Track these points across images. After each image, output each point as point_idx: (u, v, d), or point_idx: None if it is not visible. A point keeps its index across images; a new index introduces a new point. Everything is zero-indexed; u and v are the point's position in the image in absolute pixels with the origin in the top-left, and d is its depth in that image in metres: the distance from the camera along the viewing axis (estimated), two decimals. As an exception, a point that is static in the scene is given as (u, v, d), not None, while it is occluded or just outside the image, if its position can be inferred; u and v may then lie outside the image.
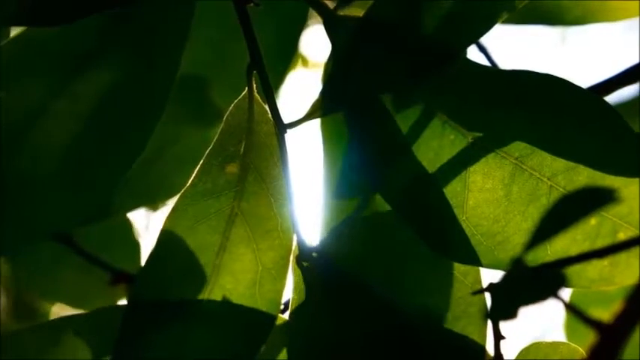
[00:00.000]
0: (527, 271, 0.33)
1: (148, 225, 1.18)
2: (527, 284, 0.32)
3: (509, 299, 0.31)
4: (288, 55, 0.71)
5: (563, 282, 0.32)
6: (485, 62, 0.70)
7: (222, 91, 0.71)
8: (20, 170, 0.52)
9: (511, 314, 0.31)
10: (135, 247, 0.85)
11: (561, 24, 0.68)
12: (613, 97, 0.70)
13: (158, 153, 0.74)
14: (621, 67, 0.66)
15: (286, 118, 0.54)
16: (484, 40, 0.71)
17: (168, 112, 0.55)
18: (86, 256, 0.80)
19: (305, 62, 1.08)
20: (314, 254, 0.52)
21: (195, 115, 0.73)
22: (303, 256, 0.52)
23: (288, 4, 0.66)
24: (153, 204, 0.80)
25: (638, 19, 0.69)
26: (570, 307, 0.34)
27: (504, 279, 0.34)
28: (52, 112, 0.52)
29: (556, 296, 0.33)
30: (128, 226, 0.85)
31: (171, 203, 0.54)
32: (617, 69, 0.66)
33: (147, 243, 0.91)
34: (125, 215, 0.84)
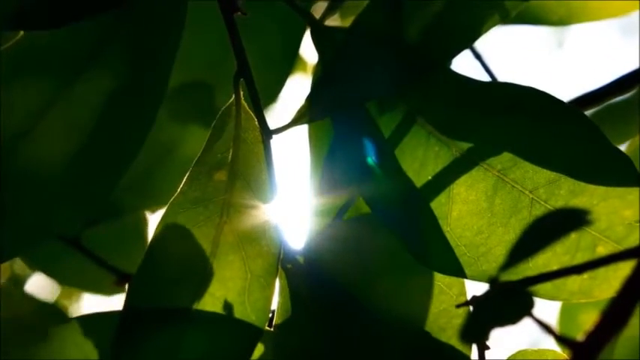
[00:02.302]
0: (500, 292, 0.33)
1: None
2: (498, 306, 0.32)
3: (481, 321, 0.32)
4: (289, 61, 0.71)
5: (533, 304, 0.33)
6: (480, 69, 0.71)
7: (228, 94, 0.71)
8: (21, 172, 0.53)
9: (482, 336, 0.32)
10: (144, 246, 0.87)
11: (546, 24, 0.68)
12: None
13: (163, 155, 0.74)
14: (618, 69, 0.67)
15: (277, 123, 0.54)
16: (480, 45, 0.72)
17: (173, 114, 0.56)
18: (92, 257, 0.81)
19: (304, 66, 1.07)
20: (298, 257, 0.53)
21: (199, 118, 0.73)
22: (288, 259, 0.53)
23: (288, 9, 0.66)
24: (158, 205, 0.81)
25: (637, 20, 0.70)
26: (544, 326, 0.35)
27: (481, 299, 0.34)
28: (51, 115, 0.53)
29: (530, 316, 0.34)
30: (141, 225, 0.87)
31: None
32: (615, 71, 0.67)
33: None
34: (140, 214, 0.85)
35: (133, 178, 0.55)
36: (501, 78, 0.69)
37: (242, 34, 0.54)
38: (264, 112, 0.55)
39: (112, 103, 0.54)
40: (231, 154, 0.53)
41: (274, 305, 0.53)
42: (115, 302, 0.89)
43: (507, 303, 0.32)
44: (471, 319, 0.33)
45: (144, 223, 0.87)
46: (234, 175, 0.53)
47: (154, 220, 0.88)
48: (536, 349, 0.50)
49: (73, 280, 0.90)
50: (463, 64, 0.54)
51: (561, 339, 0.35)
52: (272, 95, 0.71)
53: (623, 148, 0.72)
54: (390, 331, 0.50)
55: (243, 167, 0.53)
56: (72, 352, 0.62)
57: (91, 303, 1.48)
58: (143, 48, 0.55)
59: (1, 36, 0.62)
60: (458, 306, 0.48)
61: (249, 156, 0.53)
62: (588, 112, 0.72)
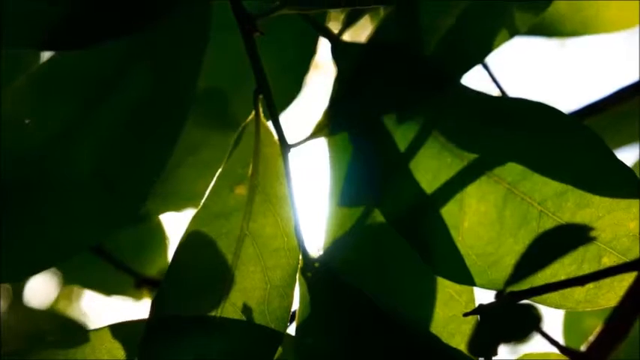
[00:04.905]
0: (507, 308, 0.35)
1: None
2: (506, 323, 0.34)
3: (488, 336, 0.33)
4: (303, 71, 0.73)
5: (541, 319, 0.34)
6: (488, 79, 0.72)
7: (244, 102, 0.73)
8: (51, 186, 0.55)
9: (490, 351, 0.33)
10: (164, 248, 0.88)
11: (559, 36, 0.69)
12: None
13: (183, 160, 0.76)
14: (616, 71, 0.68)
15: (292, 133, 0.56)
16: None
17: (191, 120, 0.57)
18: (112, 261, 0.83)
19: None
20: (317, 265, 0.54)
21: (217, 123, 0.75)
22: (307, 267, 0.54)
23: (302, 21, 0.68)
24: (175, 210, 0.83)
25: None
26: (549, 338, 0.36)
27: (487, 312, 0.36)
28: (80, 130, 0.55)
29: (537, 331, 0.35)
30: (159, 229, 0.88)
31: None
32: (613, 72, 0.68)
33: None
34: (157, 219, 0.87)
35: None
36: (503, 80, 0.70)
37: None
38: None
39: (140, 117, 0.56)
40: (251, 168, 0.55)
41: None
42: (115, 303, 0.91)
43: (515, 319, 0.34)
44: (478, 333, 0.34)
45: (160, 227, 0.89)
46: (254, 189, 0.54)
47: (170, 223, 0.89)
48: (540, 352, 0.51)
49: (92, 283, 0.92)
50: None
51: (565, 350, 0.36)
52: (285, 105, 0.73)
53: (621, 152, 0.73)
54: (407, 336, 0.52)
55: (263, 181, 0.54)
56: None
57: (90, 303, 1.51)
58: (168, 63, 0.56)
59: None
60: (465, 315, 0.50)
61: (269, 170, 0.55)
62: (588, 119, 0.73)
